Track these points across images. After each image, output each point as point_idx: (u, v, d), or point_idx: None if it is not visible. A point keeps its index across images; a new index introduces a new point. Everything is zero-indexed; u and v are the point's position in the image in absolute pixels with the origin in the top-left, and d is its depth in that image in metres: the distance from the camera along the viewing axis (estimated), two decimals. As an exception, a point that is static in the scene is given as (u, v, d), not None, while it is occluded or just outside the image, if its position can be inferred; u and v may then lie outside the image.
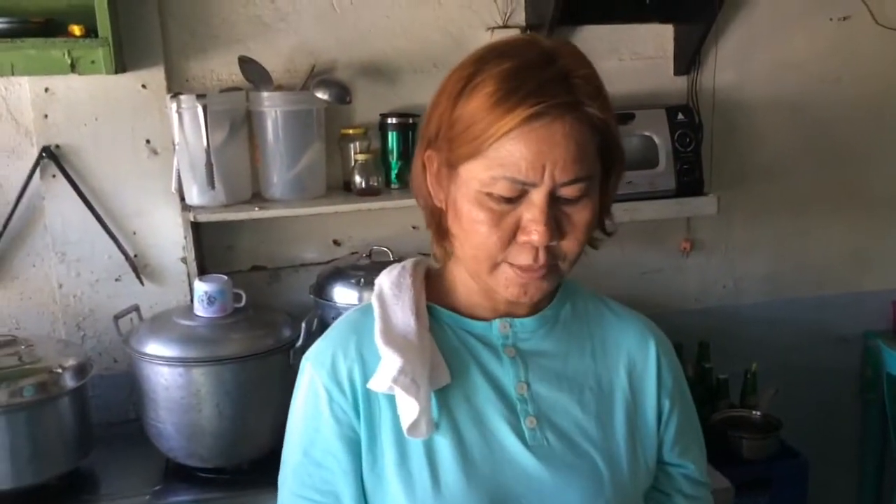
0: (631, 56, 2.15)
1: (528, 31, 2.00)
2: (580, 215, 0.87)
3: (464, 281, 0.96)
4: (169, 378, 1.63)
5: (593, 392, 0.97)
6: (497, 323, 0.96)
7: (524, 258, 0.86)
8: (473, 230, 0.87)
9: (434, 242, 0.98)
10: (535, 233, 0.84)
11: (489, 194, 0.85)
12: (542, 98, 0.82)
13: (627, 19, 2.09)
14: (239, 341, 1.66)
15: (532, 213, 0.84)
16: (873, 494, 2.54)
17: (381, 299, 0.96)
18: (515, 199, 0.85)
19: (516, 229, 0.86)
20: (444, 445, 0.91)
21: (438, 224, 0.94)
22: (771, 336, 2.35)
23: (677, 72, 2.18)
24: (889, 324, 2.47)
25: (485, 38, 1.98)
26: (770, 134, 2.29)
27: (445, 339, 0.95)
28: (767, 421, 2.09)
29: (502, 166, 0.83)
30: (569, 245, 0.88)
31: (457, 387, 0.93)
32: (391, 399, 0.91)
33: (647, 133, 2.08)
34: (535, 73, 0.84)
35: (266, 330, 1.71)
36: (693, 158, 2.11)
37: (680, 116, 2.11)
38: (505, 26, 2.02)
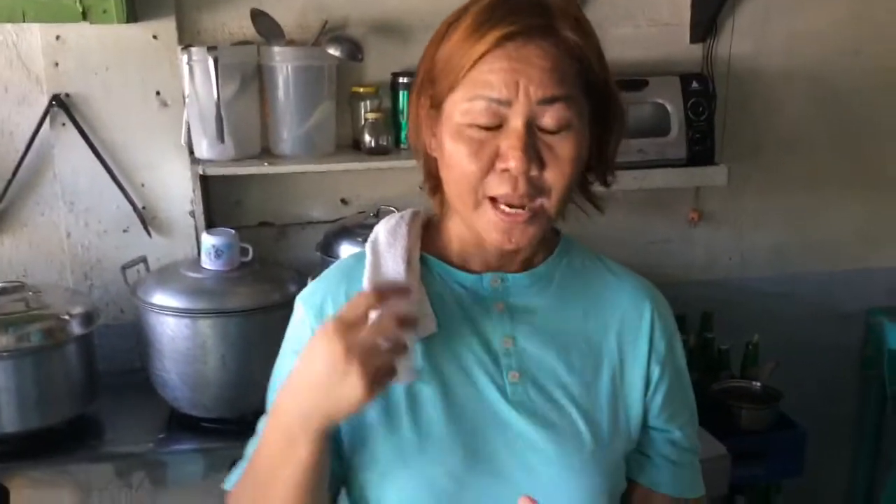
0: (647, 22, 2.10)
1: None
2: (562, 147, 0.86)
3: (459, 233, 0.97)
4: (175, 329, 1.65)
5: (581, 352, 0.97)
6: (489, 276, 0.97)
7: (504, 188, 0.86)
8: (455, 164, 0.88)
9: (430, 195, 0.99)
10: (512, 159, 0.84)
11: (469, 125, 0.86)
12: (515, 20, 0.83)
13: (644, -16, 2.05)
14: (245, 295, 1.67)
15: (510, 140, 0.85)
16: (868, 469, 2.56)
17: (375, 247, 0.97)
18: (494, 126, 0.85)
19: (495, 158, 0.86)
20: (426, 393, 0.93)
21: (432, 173, 0.96)
22: (774, 309, 2.35)
23: (693, 39, 2.15)
24: (894, 301, 2.46)
25: (500, -1, 1.95)
26: (785, 105, 2.26)
27: (436, 289, 0.96)
28: (767, 392, 2.10)
29: (477, 88, 0.85)
30: (551, 177, 0.87)
31: (443, 337, 0.94)
32: None
33: (659, 100, 2.06)
34: (512, 2, 0.86)
35: (272, 285, 1.72)
36: (705, 128, 2.08)
37: (694, 85, 2.08)
38: (520, -13, 1.99)
